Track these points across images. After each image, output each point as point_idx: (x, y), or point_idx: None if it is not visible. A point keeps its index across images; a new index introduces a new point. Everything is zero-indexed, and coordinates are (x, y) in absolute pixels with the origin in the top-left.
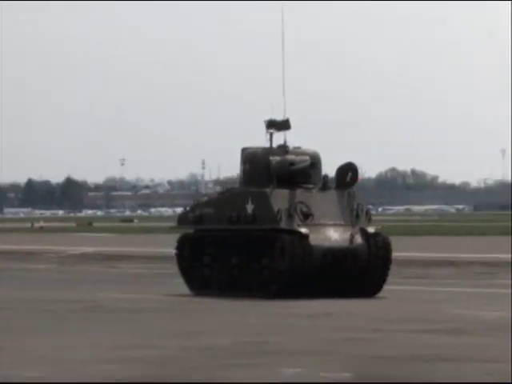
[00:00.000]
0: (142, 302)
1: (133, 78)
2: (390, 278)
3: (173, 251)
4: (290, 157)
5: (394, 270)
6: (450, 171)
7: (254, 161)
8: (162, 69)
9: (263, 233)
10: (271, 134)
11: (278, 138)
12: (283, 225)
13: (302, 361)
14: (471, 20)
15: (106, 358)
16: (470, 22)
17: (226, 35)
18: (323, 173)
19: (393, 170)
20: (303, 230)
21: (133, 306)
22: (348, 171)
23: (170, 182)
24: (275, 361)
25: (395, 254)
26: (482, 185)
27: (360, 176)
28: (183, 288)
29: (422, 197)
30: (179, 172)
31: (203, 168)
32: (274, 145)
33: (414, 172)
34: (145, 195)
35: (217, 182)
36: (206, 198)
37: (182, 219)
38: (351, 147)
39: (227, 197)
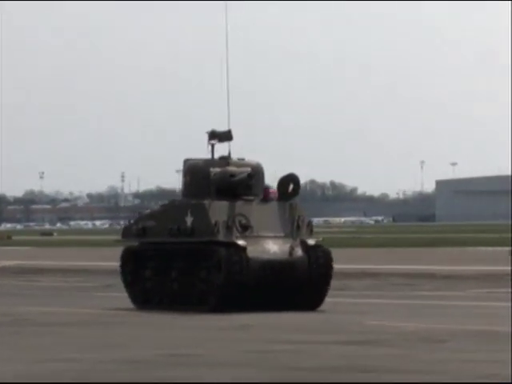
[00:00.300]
0: (66, 315)
1: (52, 88)
2: None
3: (92, 264)
4: (231, 168)
5: None
6: (370, 183)
7: (194, 172)
8: (83, 78)
9: (201, 245)
10: (213, 146)
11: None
12: (221, 237)
13: (223, 373)
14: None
15: (26, 372)
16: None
17: (163, 37)
18: (266, 184)
19: (312, 182)
20: (241, 242)
21: (56, 320)
22: (290, 182)
23: (89, 195)
24: (196, 373)
25: None
26: (401, 196)
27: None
28: (108, 302)
29: (340, 208)
30: (98, 185)
31: (122, 181)
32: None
33: (333, 184)
34: (64, 208)
35: (136, 195)
36: (148, 211)
37: (126, 232)
38: (274, 159)
39: (168, 209)
